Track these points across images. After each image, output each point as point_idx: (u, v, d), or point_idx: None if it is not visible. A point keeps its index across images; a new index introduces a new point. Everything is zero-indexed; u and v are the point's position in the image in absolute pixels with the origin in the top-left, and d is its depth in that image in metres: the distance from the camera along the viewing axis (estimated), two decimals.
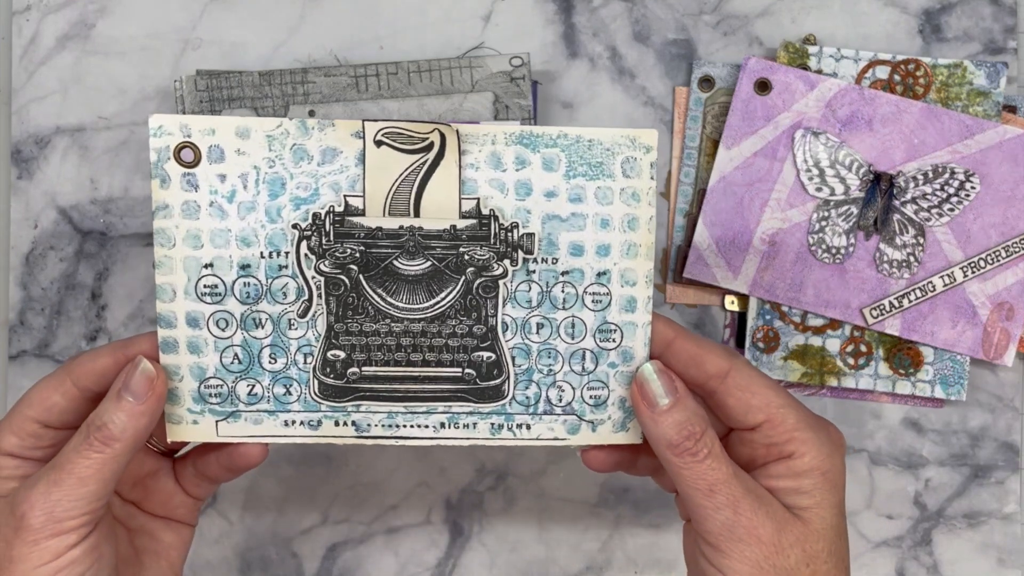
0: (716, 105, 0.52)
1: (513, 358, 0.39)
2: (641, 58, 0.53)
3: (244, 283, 0.37)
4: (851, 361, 0.52)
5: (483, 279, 0.38)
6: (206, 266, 0.37)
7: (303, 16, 0.53)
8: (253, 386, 0.38)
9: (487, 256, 0.38)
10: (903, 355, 0.52)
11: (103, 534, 0.37)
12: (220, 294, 0.37)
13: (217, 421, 0.39)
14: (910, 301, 0.51)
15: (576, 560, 0.53)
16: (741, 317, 0.52)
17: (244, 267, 0.37)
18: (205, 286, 0.37)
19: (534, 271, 0.38)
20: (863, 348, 0.52)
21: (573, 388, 0.39)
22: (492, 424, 0.39)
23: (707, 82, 0.52)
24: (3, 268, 0.54)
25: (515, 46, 0.52)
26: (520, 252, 0.38)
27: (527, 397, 0.39)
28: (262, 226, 0.37)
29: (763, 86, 0.51)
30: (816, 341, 0.52)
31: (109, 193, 0.53)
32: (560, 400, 0.39)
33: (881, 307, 0.51)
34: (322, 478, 0.53)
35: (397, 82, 0.51)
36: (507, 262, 0.38)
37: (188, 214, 0.37)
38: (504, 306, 0.38)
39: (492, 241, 0.37)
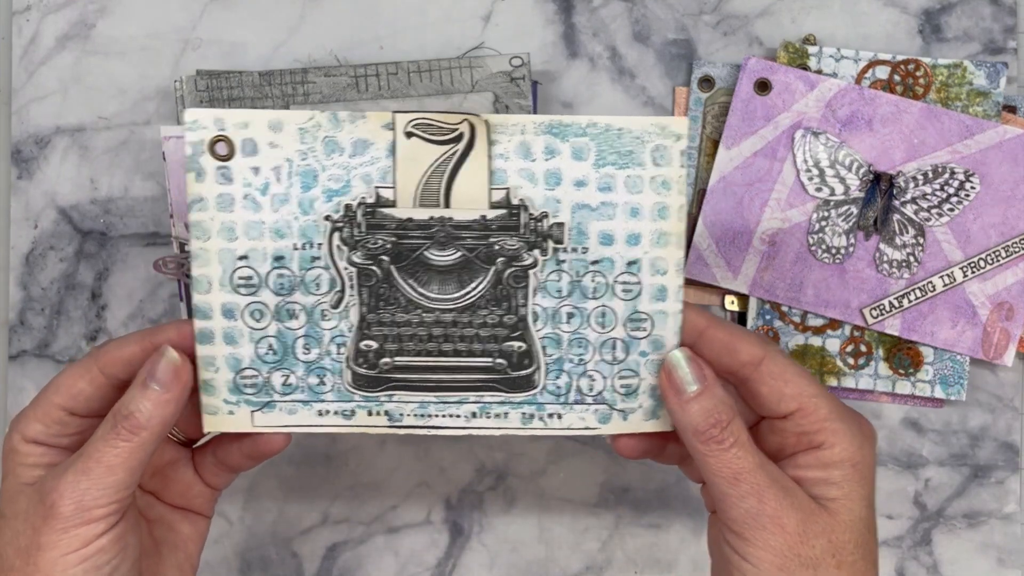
0: (716, 105, 0.52)
1: (544, 348, 0.39)
2: (641, 58, 0.53)
3: (278, 274, 0.38)
4: (851, 361, 0.52)
5: (513, 269, 0.38)
6: (240, 258, 0.38)
7: (303, 16, 0.53)
8: (287, 376, 0.39)
9: (517, 246, 0.38)
10: (903, 355, 0.52)
11: (129, 523, 0.37)
12: (255, 286, 0.38)
13: (252, 411, 0.39)
14: (910, 301, 0.51)
15: (576, 560, 0.53)
16: (741, 317, 0.52)
17: (278, 259, 0.38)
18: (240, 278, 0.38)
19: (564, 260, 0.38)
20: (863, 348, 0.52)
21: (604, 377, 0.39)
22: (523, 414, 0.39)
23: (707, 82, 0.52)
24: (3, 268, 0.54)
25: (515, 46, 0.52)
26: (550, 242, 0.38)
27: (558, 387, 0.39)
28: (295, 218, 0.37)
29: (763, 86, 0.51)
30: (816, 341, 0.52)
31: (109, 193, 0.53)
32: (591, 389, 0.39)
33: (881, 307, 0.51)
34: (322, 478, 0.53)
35: (397, 82, 0.51)
36: (537, 252, 0.38)
37: (223, 207, 0.37)
38: (534, 296, 0.38)
39: (522, 231, 0.38)
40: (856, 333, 0.52)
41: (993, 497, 0.53)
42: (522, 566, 0.53)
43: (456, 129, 0.37)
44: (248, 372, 0.38)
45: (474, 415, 0.39)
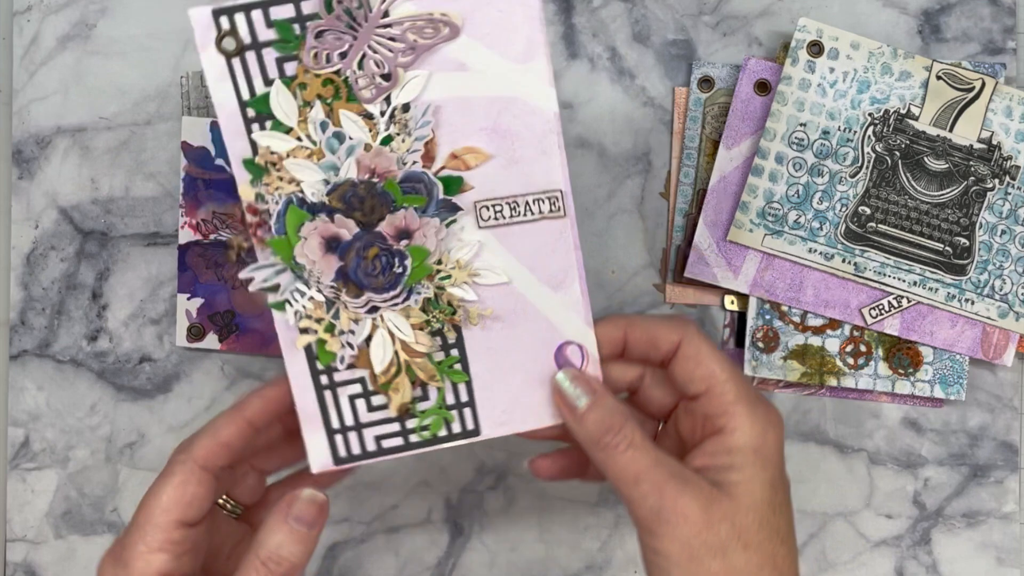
0: (716, 105, 0.52)
1: (978, 249, 0.50)
2: (641, 58, 0.53)
3: (821, 143, 0.50)
4: (851, 361, 0.52)
5: (977, 187, 0.50)
6: (800, 124, 0.50)
7: None
8: (799, 216, 0.50)
9: (985, 172, 0.50)
10: (902, 355, 0.52)
11: None
12: (803, 146, 0.50)
13: (765, 235, 0.50)
14: (909, 301, 0.51)
15: (576, 560, 0.53)
16: (741, 317, 0.52)
17: (824, 132, 0.50)
18: (795, 137, 0.50)
19: (1010, 193, 0.50)
20: (863, 348, 0.52)
21: (1012, 283, 0.51)
22: (948, 293, 0.50)
23: (707, 82, 0.52)
24: (4, 268, 0.54)
25: None
26: (1007, 177, 0.50)
27: (979, 280, 0.50)
28: (846, 109, 0.50)
29: (763, 86, 0.51)
30: (816, 341, 0.52)
31: (110, 193, 0.53)
32: (1000, 289, 0.51)
33: (880, 307, 0.51)
34: None
35: None
36: (996, 180, 0.50)
37: (802, 87, 0.50)
38: (984, 211, 0.50)
39: (992, 163, 0.50)
40: (856, 333, 0.52)
41: (992, 497, 0.53)
42: (522, 566, 0.54)
43: (972, 85, 0.50)
44: (775, 205, 0.50)
45: (915, 284, 0.50)
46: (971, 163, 0.50)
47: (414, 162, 0.37)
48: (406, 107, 0.37)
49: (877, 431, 0.53)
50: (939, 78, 0.50)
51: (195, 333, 0.52)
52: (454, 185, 0.38)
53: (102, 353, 0.53)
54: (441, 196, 0.38)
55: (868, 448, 0.53)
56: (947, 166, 0.50)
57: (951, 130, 0.50)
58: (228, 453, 0.38)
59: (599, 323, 0.40)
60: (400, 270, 0.38)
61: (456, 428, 0.40)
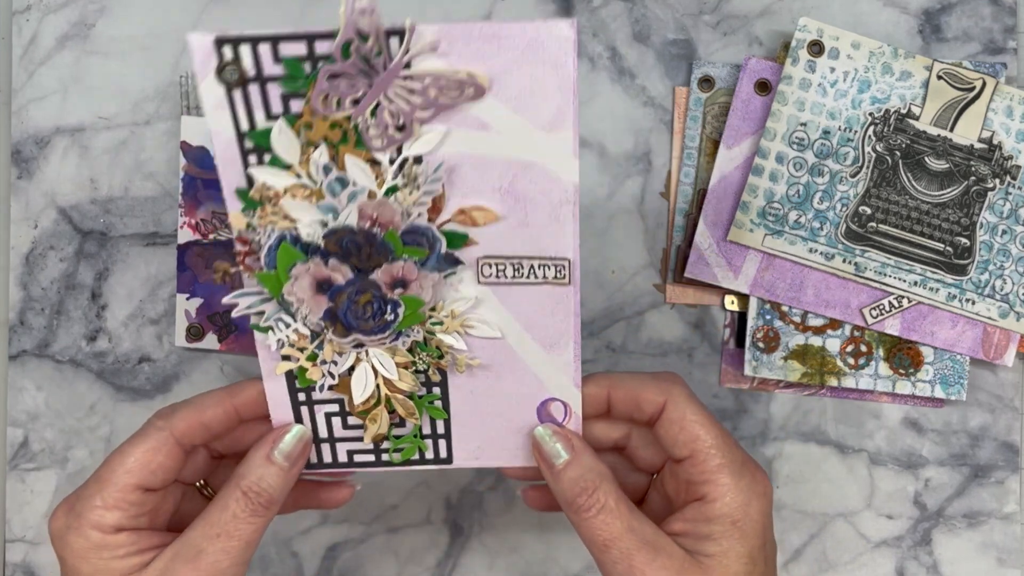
0: (716, 105, 0.52)
1: (979, 249, 0.50)
2: (641, 58, 0.53)
3: (821, 143, 0.49)
4: (851, 361, 0.52)
5: (978, 187, 0.49)
6: (801, 125, 0.49)
7: (303, 16, 0.53)
8: (800, 216, 0.50)
9: (986, 172, 0.49)
10: (903, 355, 0.52)
11: None
12: (804, 146, 0.49)
13: (766, 235, 0.50)
14: (909, 301, 0.51)
15: (576, 560, 0.53)
16: (741, 317, 0.52)
17: (825, 132, 0.49)
18: (796, 137, 0.49)
19: (1011, 193, 0.50)
20: (863, 348, 0.52)
21: (1013, 283, 0.50)
22: (949, 293, 0.50)
23: (707, 82, 0.52)
24: (3, 268, 0.54)
25: None
26: (1007, 176, 0.50)
27: (980, 280, 0.50)
28: (846, 108, 0.49)
29: (763, 86, 0.51)
30: (816, 341, 0.52)
31: (109, 193, 0.53)
32: (1001, 289, 0.50)
33: (881, 307, 0.51)
34: None
35: None
36: (996, 180, 0.50)
37: (803, 87, 0.49)
38: (984, 211, 0.50)
39: (992, 163, 0.50)
40: (856, 333, 0.52)
41: (993, 497, 0.53)
42: (522, 566, 0.53)
43: (973, 85, 0.49)
44: (775, 205, 0.49)
45: (915, 284, 0.50)
46: (972, 163, 0.50)
47: (419, 214, 0.36)
48: (418, 159, 0.35)
49: (878, 431, 0.53)
50: (940, 78, 0.50)
51: (194, 333, 0.52)
52: (458, 240, 0.36)
53: (101, 353, 0.53)
54: (444, 250, 0.36)
55: (869, 448, 0.53)
56: (948, 166, 0.50)
57: (952, 130, 0.50)
58: (206, 434, 0.38)
59: (583, 381, 0.39)
60: (391, 317, 0.37)
61: (429, 455, 0.40)
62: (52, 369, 0.53)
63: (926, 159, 0.49)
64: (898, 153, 0.50)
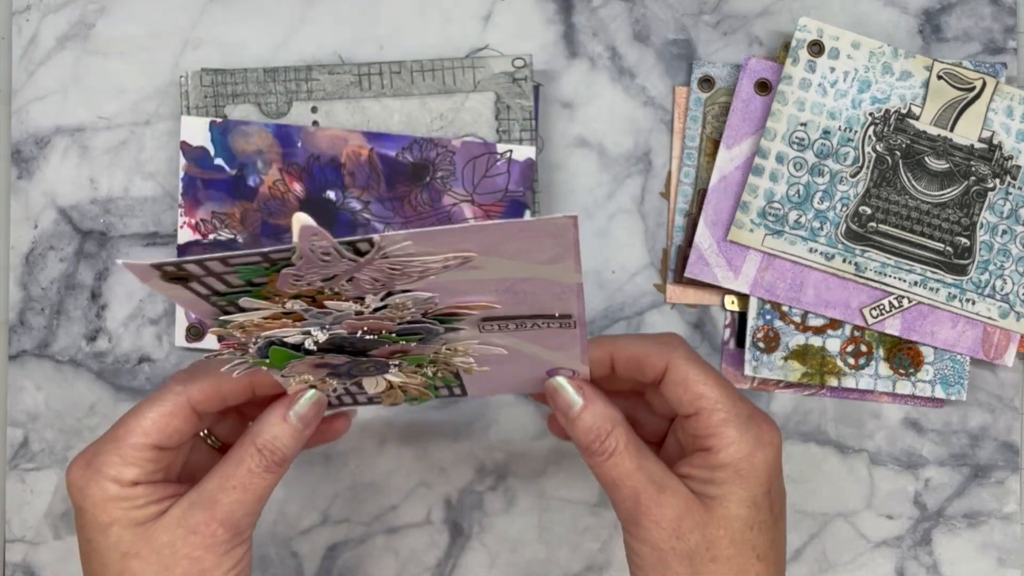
0: (716, 105, 0.52)
1: (979, 249, 0.50)
2: (641, 58, 0.53)
3: (821, 143, 0.50)
4: (851, 361, 0.52)
5: (978, 187, 0.50)
6: (801, 124, 0.50)
7: (302, 16, 0.53)
8: (800, 216, 0.50)
9: (986, 172, 0.50)
10: (903, 355, 0.52)
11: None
12: (804, 146, 0.49)
13: (766, 235, 0.50)
14: (910, 301, 0.51)
15: (576, 560, 0.53)
16: (741, 317, 0.52)
17: (825, 132, 0.50)
18: (796, 137, 0.49)
19: (1011, 193, 0.50)
20: (863, 348, 0.52)
21: (1013, 283, 0.50)
22: (949, 293, 0.50)
23: (707, 82, 0.52)
24: (3, 268, 0.54)
25: (515, 46, 0.52)
26: (1008, 176, 0.50)
27: (980, 280, 0.50)
28: (846, 108, 0.50)
29: (763, 86, 0.51)
30: (816, 341, 0.52)
31: (109, 193, 0.53)
32: (1001, 289, 0.50)
33: (881, 307, 0.51)
34: (322, 478, 0.53)
35: (400, 81, 0.51)
36: (997, 180, 0.50)
37: (803, 87, 0.50)
38: (984, 211, 0.50)
39: (992, 163, 0.50)
40: (856, 333, 0.52)
41: (993, 497, 0.53)
42: (522, 566, 0.53)
43: (973, 85, 0.50)
44: (775, 205, 0.50)
45: (915, 284, 0.50)
46: (972, 163, 0.50)
47: (412, 315, 0.34)
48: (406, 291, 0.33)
49: (878, 431, 0.53)
50: (940, 78, 0.50)
51: (194, 333, 0.52)
52: (456, 320, 0.35)
53: (101, 353, 0.53)
54: (442, 330, 0.36)
55: (869, 448, 0.53)
56: (948, 166, 0.50)
57: (952, 130, 0.50)
58: (221, 404, 0.40)
59: (589, 346, 0.39)
60: (393, 369, 0.38)
61: (443, 393, 0.42)
62: (52, 369, 0.53)
63: (926, 159, 0.49)
64: (898, 153, 0.50)
